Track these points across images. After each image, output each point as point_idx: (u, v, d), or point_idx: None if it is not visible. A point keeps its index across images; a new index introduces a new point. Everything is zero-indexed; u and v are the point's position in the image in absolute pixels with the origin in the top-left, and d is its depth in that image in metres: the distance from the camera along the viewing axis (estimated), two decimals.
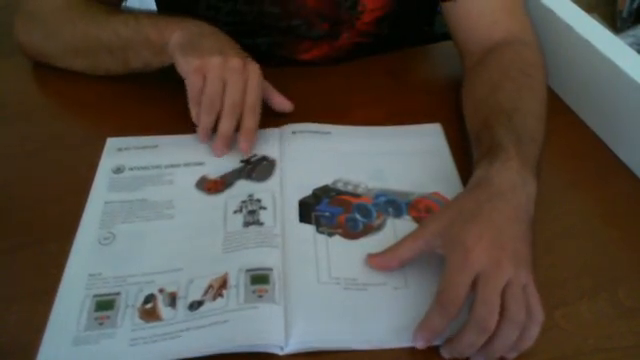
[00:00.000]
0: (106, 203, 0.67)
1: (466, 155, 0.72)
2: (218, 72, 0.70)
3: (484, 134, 0.66)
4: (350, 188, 0.69)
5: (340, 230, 0.65)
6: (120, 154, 0.73)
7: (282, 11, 0.85)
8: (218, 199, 0.68)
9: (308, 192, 0.68)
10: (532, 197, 0.59)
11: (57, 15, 0.82)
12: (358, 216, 0.66)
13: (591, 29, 0.78)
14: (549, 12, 0.82)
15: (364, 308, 0.58)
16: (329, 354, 0.55)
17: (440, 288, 0.54)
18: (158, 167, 0.71)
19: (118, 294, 0.58)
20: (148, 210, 0.67)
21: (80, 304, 0.57)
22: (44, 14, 0.83)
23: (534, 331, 0.53)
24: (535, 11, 0.83)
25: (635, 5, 1.05)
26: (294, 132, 0.76)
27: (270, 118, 0.77)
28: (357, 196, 0.69)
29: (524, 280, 0.53)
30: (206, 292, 0.58)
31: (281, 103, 0.77)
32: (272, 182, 0.70)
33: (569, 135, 0.78)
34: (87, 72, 0.83)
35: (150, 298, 0.58)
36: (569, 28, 0.79)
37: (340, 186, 0.70)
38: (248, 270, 0.59)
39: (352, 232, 0.65)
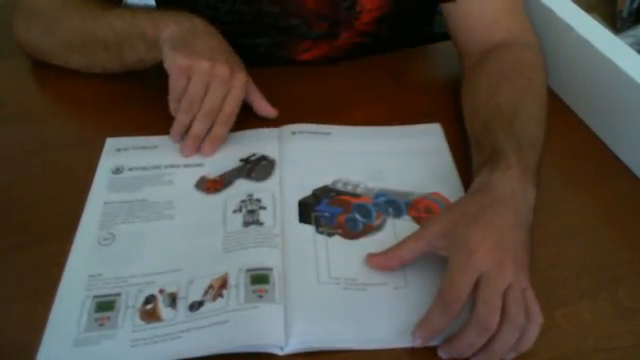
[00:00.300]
0: (106, 203, 0.67)
1: (466, 155, 0.72)
2: (204, 76, 0.70)
3: (484, 139, 0.67)
4: (350, 188, 0.69)
5: (340, 230, 0.65)
6: (119, 154, 0.73)
7: (281, 11, 0.84)
8: (217, 198, 0.68)
9: (308, 192, 0.68)
10: (531, 205, 0.59)
11: (54, 11, 0.82)
12: (358, 216, 0.66)
13: (591, 29, 0.78)
14: (549, 12, 0.82)
15: (364, 308, 0.58)
16: (329, 354, 0.55)
17: (442, 287, 0.54)
18: (158, 167, 0.71)
19: (118, 295, 0.58)
20: (148, 210, 0.66)
21: (80, 305, 0.57)
22: (41, 10, 0.83)
23: (533, 333, 0.53)
24: (535, 11, 0.83)
25: (635, 5, 1.05)
26: (293, 132, 0.76)
27: (269, 118, 0.77)
28: (357, 196, 0.68)
29: (523, 284, 0.54)
30: (206, 292, 0.58)
31: (265, 109, 0.77)
32: (272, 182, 0.69)
33: (569, 135, 0.78)
34: (83, 70, 0.83)
35: (150, 299, 0.58)
36: (569, 28, 0.79)
37: (340, 186, 0.70)
38: (248, 270, 0.59)
39: (352, 232, 0.65)
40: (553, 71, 0.78)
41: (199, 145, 0.72)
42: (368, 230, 0.65)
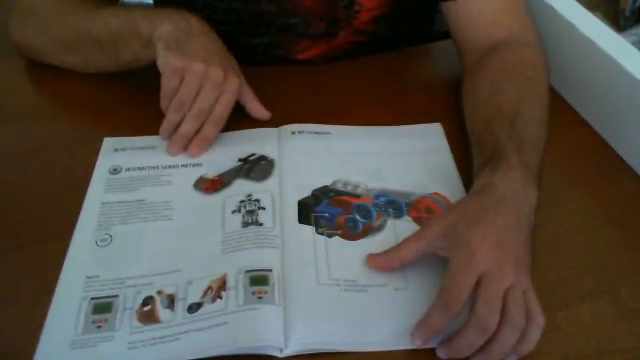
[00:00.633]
0: (103, 204, 0.67)
1: (467, 155, 0.71)
2: (197, 78, 0.70)
3: (485, 139, 0.66)
4: (350, 188, 0.69)
5: (340, 231, 0.64)
6: (117, 154, 0.73)
7: (279, 9, 0.84)
8: (216, 199, 0.67)
9: (307, 193, 0.68)
10: (533, 206, 0.59)
11: (49, 10, 0.82)
12: (358, 217, 0.66)
13: (594, 27, 0.77)
14: (551, 10, 0.82)
15: (364, 310, 0.58)
16: (329, 356, 0.55)
17: (443, 287, 0.54)
18: (155, 168, 0.71)
19: (116, 297, 0.58)
20: (146, 211, 0.66)
21: (78, 307, 0.57)
22: (36, 9, 0.82)
23: (534, 335, 0.53)
24: (537, 9, 0.83)
25: (638, 4, 1.05)
26: (293, 132, 0.76)
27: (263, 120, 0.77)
28: (357, 196, 0.68)
29: (525, 285, 0.54)
30: (205, 294, 0.58)
31: (259, 111, 0.77)
32: (271, 182, 0.69)
33: (571, 134, 0.78)
34: (78, 69, 0.83)
35: (148, 300, 0.58)
36: (571, 26, 0.78)
37: (340, 186, 0.69)
38: (247, 271, 0.59)
39: (352, 233, 0.64)
40: (555, 70, 0.78)
41: (186, 144, 0.72)
42: (368, 231, 0.65)
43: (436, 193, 0.69)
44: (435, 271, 0.58)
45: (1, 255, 0.63)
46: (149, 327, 0.55)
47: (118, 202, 0.67)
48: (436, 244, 0.58)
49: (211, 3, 0.83)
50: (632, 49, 0.74)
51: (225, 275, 0.59)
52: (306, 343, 0.55)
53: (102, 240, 0.63)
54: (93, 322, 0.56)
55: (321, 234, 0.64)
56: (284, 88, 0.82)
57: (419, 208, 0.67)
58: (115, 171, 0.70)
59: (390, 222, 0.66)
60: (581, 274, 0.62)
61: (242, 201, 0.67)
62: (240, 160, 0.72)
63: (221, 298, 0.57)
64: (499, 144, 0.63)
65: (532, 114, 0.67)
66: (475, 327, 0.52)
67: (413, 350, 0.55)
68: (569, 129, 0.79)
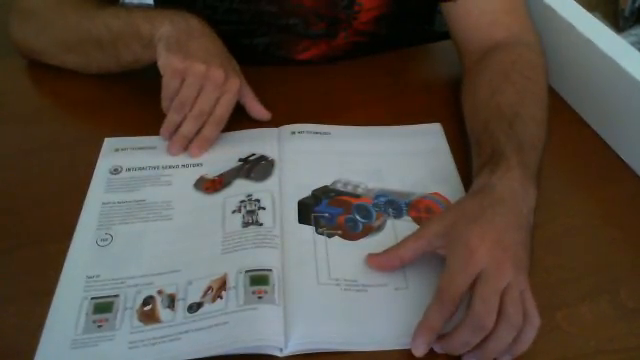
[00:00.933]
0: (103, 204, 0.67)
1: (466, 155, 0.71)
2: (198, 79, 0.70)
3: (485, 140, 0.66)
4: (350, 188, 0.69)
5: (340, 231, 0.65)
6: (117, 154, 0.73)
7: (279, 10, 0.84)
8: (216, 198, 0.67)
9: (307, 193, 0.68)
10: (532, 206, 0.60)
11: (49, 10, 0.82)
12: (358, 217, 0.66)
13: (593, 28, 0.77)
14: (551, 11, 0.82)
15: (364, 309, 0.58)
16: (328, 356, 0.55)
17: (441, 286, 0.54)
18: (156, 168, 0.71)
19: (117, 296, 0.58)
20: (146, 211, 0.66)
21: (78, 307, 0.57)
22: (36, 9, 0.82)
23: (530, 335, 0.53)
24: (537, 9, 0.83)
25: (637, 4, 1.05)
26: (293, 132, 0.76)
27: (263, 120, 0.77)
28: (357, 196, 0.68)
29: (522, 285, 0.54)
30: (205, 293, 0.58)
31: (259, 112, 0.77)
32: (271, 182, 0.69)
33: (570, 134, 0.78)
34: (79, 70, 0.83)
35: (149, 300, 0.58)
36: (571, 27, 0.78)
37: (339, 186, 0.69)
38: (247, 271, 0.59)
39: (352, 233, 0.65)
40: (555, 70, 0.78)
41: (186, 145, 0.72)
42: (368, 231, 0.65)
43: (436, 193, 0.69)
44: (435, 271, 0.58)
45: (1, 255, 0.63)
46: (149, 327, 0.55)
47: (119, 202, 0.67)
48: (435, 243, 0.58)
49: (212, 3, 0.83)
50: (631, 49, 0.74)
51: (225, 275, 0.59)
52: (306, 343, 0.55)
53: (103, 240, 0.63)
54: (94, 322, 0.56)
55: (321, 234, 0.64)
56: (284, 88, 0.82)
57: (419, 208, 0.67)
58: (116, 171, 0.71)
59: (390, 222, 0.66)
60: (581, 274, 0.62)
61: (242, 201, 0.67)
62: (240, 160, 0.72)
63: (221, 298, 0.57)
64: (498, 145, 0.63)
65: (531, 114, 0.67)
66: (472, 325, 0.52)
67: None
68: (569, 129, 0.79)
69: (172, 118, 0.72)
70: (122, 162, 0.71)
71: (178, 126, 0.72)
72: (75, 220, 0.65)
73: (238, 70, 0.75)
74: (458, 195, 0.67)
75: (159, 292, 0.58)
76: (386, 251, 0.60)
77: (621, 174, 0.73)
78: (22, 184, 0.71)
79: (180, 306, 0.57)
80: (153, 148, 0.73)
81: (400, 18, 0.90)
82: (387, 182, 0.70)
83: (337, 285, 0.59)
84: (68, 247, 0.62)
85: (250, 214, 0.65)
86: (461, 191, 0.69)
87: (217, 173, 0.70)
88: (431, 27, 1.01)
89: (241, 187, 0.69)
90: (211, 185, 0.69)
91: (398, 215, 0.67)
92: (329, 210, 0.66)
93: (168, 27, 0.73)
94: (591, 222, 0.68)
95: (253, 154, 0.73)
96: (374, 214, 0.67)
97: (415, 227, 0.62)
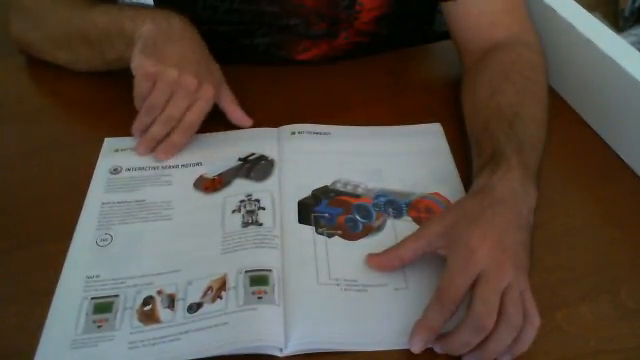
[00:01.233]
0: (103, 204, 0.67)
1: (466, 155, 0.71)
2: (168, 85, 0.69)
3: (485, 140, 0.66)
4: (350, 188, 0.69)
5: (340, 231, 0.64)
6: (117, 155, 0.73)
7: (280, 10, 0.84)
8: (216, 198, 0.67)
9: (307, 193, 0.68)
10: (532, 207, 0.60)
11: (42, 6, 0.82)
12: (358, 217, 0.66)
13: (593, 28, 0.77)
14: (551, 11, 0.82)
15: (364, 309, 0.58)
16: (328, 356, 0.55)
17: (441, 286, 0.54)
18: (156, 168, 0.71)
19: (116, 296, 0.58)
20: (146, 211, 0.66)
21: (78, 307, 0.57)
22: (32, 6, 0.83)
23: (530, 335, 0.53)
24: (537, 9, 0.83)
25: (637, 4, 1.05)
26: (293, 132, 0.76)
27: (268, 118, 0.76)
28: (357, 196, 0.68)
29: (522, 285, 0.54)
30: (205, 294, 0.58)
31: (239, 118, 0.76)
32: (271, 182, 0.69)
33: (570, 134, 0.78)
34: (70, 66, 0.82)
35: (149, 300, 0.58)
36: (571, 27, 0.78)
37: (339, 186, 0.69)
38: (247, 271, 0.59)
39: (352, 233, 0.64)
40: (554, 70, 0.78)
41: (154, 146, 0.72)
42: (368, 231, 0.65)
43: (436, 193, 0.69)
44: (435, 271, 0.58)
45: (1, 255, 0.63)
46: (149, 327, 0.55)
47: (118, 202, 0.67)
48: (435, 243, 0.58)
49: (212, 4, 0.83)
50: (631, 49, 0.74)
51: (225, 275, 0.59)
52: (306, 343, 0.55)
53: (102, 240, 0.63)
54: (94, 322, 0.56)
55: (321, 234, 0.64)
56: (284, 88, 0.82)
57: (419, 208, 0.67)
58: (115, 171, 0.71)
59: (390, 222, 0.66)
60: (581, 274, 0.62)
61: (242, 201, 0.67)
62: (240, 160, 0.72)
63: (221, 298, 0.57)
64: (498, 145, 0.63)
65: (531, 115, 0.67)
66: (472, 325, 0.52)
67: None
68: (568, 129, 0.79)
69: (142, 119, 0.71)
70: (122, 162, 0.71)
71: (148, 127, 0.72)
72: (75, 220, 0.65)
73: (217, 75, 0.74)
74: (458, 195, 0.67)
75: (159, 292, 0.58)
76: (386, 251, 0.60)
77: (621, 174, 0.73)
78: (22, 184, 0.71)
79: (180, 306, 0.57)
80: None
81: (401, 18, 0.89)
82: (387, 182, 0.70)
83: (337, 285, 0.59)
84: (68, 247, 0.62)
85: (250, 214, 0.65)
86: (461, 191, 0.68)
87: (217, 173, 0.70)
88: (431, 27, 1.01)
89: (241, 187, 0.69)
90: (210, 185, 0.69)
91: (398, 215, 0.67)
92: (329, 210, 0.66)
93: (149, 26, 0.72)
94: (591, 222, 0.68)
95: (253, 154, 0.72)
96: (374, 214, 0.66)
97: (415, 227, 0.62)
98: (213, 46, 0.76)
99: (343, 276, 0.60)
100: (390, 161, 0.73)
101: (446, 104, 0.81)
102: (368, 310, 0.58)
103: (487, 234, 0.55)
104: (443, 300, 0.53)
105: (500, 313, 0.52)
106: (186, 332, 0.55)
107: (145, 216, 0.66)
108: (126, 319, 0.56)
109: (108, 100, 0.82)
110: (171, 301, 0.57)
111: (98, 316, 0.56)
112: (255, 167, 0.71)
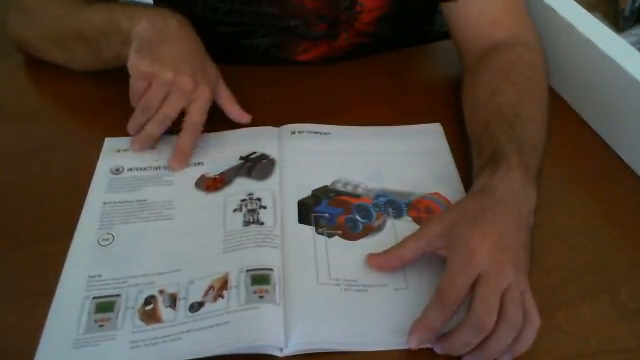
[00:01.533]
0: (105, 204, 0.67)
1: (466, 155, 0.71)
2: (164, 86, 0.69)
3: (485, 140, 0.66)
4: (350, 188, 0.69)
5: (340, 231, 0.65)
6: (119, 155, 0.73)
7: (280, 11, 0.84)
8: (217, 197, 0.67)
9: (307, 193, 0.68)
10: (532, 207, 0.60)
11: (39, 4, 0.82)
12: (358, 217, 0.66)
13: (593, 28, 0.77)
14: (551, 11, 0.82)
15: (364, 309, 0.58)
16: (328, 356, 0.55)
17: (441, 286, 0.54)
18: (157, 168, 0.71)
19: (118, 296, 0.58)
20: (147, 211, 0.66)
21: (80, 306, 0.57)
22: (30, 5, 0.83)
23: (530, 335, 0.53)
24: (537, 9, 0.83)
25: (637, 4, 1.05)
26: (293, 132, 0.76)
27: (269, 118, 0.76)
28: (357, 196, 0.68)
29: (523, 286, 0.54)
30: (206, 293, 0.58)
31: (238, 114, 0.75)
32: (272, 181, 0.69)
33: (570, 134, 0.78)
34: (67, 65, 0.82)
35: (150, 299, 0.58)
36: (571, 27, 0.79)
37: (339, 186, 0.69)
38: (249, 270, 0.59)
39: (352, 233, 0.65)
40: (554, 70, 0.78)
41: (149, 144, 0.72)
42: (368, 231, 0.65)
43: (436, 193, 0.69)
44: (435, 271, 0.58)
45: (1, 255, 0.63)
46: (151, 326, 0.55)
47: (120, 202, 0.67)
48: (435, 244, 0.58)
49: (212, 4, 0.83)
50: (631, 49, 0.74)
51: (227, 274, 0.59)
52: (306, 343, 0.55)
53: (104, 240, 0.63)
54: (95, 321, 0.56)
55: (321, 234, 0.64)
56: (284, 88, 0.82)
57: (419, 208, 0.67)
58: (117, 171, 0.71)
59: (390, 222, 0.66)
60: (581, 274, 0.62)
61: (243, 200, 0.67)
62: (241, 158, 0.72)
63: (222, 297, 0.57)
64: (499, 145, 0.64)
65: (531, 115, 0.67)
66: (472, 326, 0.52)
67: (413, 350, 0.55)
68: (568, 129, 0.79)
69: (137, 118, 0.71)
70: (124, 162, 0.71)
71: (143, 125, 0.71)
72: (75, 220, 0.65)
73: (214, 73, 0.74)
74: (458, 195, 0.67)
75: (160, 292, 0.58)
76: (386, 251, 0.61)
77: (621, 174, 0.73)
78: (22, 184, 0.71)
79: (181, 305, 0.57)
80: (154, 148, 0.73)
81: (401, 18, 0.89)
82: (387, 182, 0.70)
83: (337, 285, 0.59)
84: (68, 247, 0.62)
85: (251, 213, 0.65)
86: (461, 191, 0.69)
87: (218, 172, 0.70)
88: (431, 27, 1.01)
89: (242, 186, 0.69)
90: (212, 184, 0.69)
91: (398, 215, 0.67)
92: (329, 210, 0.66)
93: (145, 25, 0.72)
94: (591, 222, 0.68)
95: (254, 152, 0.73)
96: (374, 214, 0.67)
97: (415, 227, 0.62)
98: (213, 46, 0.76)
99: (343, 276, 0.60)
100: (390, 161, 0.73)
101: (446, 104, 0.81)
102: (368, 310, 0.58)
103: (487, 235, 0.55)
104: (443, 300, 0.53)
105: (500, 313, 0.52)
106: (188, 331, 0.55)
107: (147, 216, 0.66)
108: (128, 318, 0.56)
109: (108, 100, 0.81)
110: (173, 300, 0.57)
111: (100, 315, 0.56)
112: (256, 166, 0.71)
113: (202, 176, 0.70)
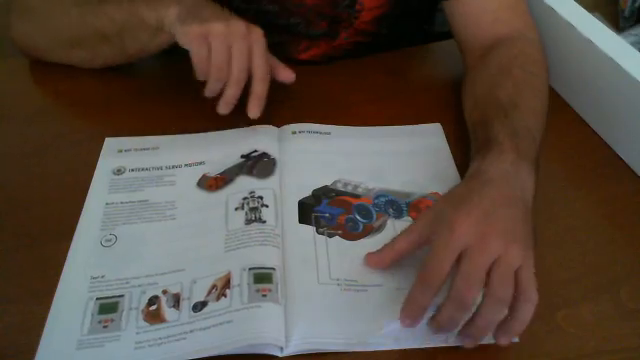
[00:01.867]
0: (107, 204, 0.67)
1: (466, 155, 0.71)
2: (222, 39, 0.68)
3: (480, 129, 0.66)
4: (350, 188, 0.69)
5: (340, 231, 0.65)
6: (121, 155, 0.73)
7: (280, 9, 0.84)
8: (219, 196, 0.68)
9: (307, 193, 0.68)
10: (527, 187, 0.58)
11: (48, 4, 0.80)
12: (358, 217, 0.66)
13: (593, 28, 0.78)
14: (551, 11, 0.82)
15: (364, 309, 0.58)
16: (328, 356, 0.55)
17: (424, 264, 0.53)
18: (159, 168, 0.71)
19: (122, 296, 0.58)
20: (150, 211, 0.66)
21: (83, 307, 0.57)
22: (36, 5, 0.81)
23: (526, 312, 0.51)
24: (537, 9, 0.83)
25: (637, 4, 1.05)
26: (293, 132, 0.76)
27: (269, 118, 0.76)
28: (357, 196, 0.68)
29: (518, 260, 0.52)
30: (209, 292, 0.58)
31: (285, 73, 0.74)
32: (273, 180, 0.69)
33: (569, 134, 0.78)
34: (84, 64, 0.82)
35: (154, 300, 0.58)
36: (571, 27, 0.79)
37: (340, 186, 0.69)
38: (251, 269, 0.59)
39: (352, 233, 0.65)
40: (554, 70, 0.78)
41: (232, 108, 0.71)
42: (368, 231, 0.65)
43: (436, 193, 0.69)
44: None
45: (2, 255, 0.63)
46: (155, 327, 0.56)
47: (122, 202, 0.67)
48: (425, 232, 0.57)
49: None
50: (631, 50, 0.74)
51: (229, 273, 0.59)
52: (306, 342, 0.55)
53: (107, 240, 0.63)
54: (99, 322, 0.56)
55: (321, 234, 0.64)
56: (284, 88, 0.82)
57: (419, 208, 0.67)
58: (119, 172, 0.71)
59: (390, 222, 0.66)
60: (581, 274, 0.62)
61: (245, 198, 0.67)
62: (243, 156, 0.72)
63: (226, 296, 0.57)
64: (492, 131, 0.63)
65: (529, 105, 0.67)
66: (453, 301, 0.51)
67: (413, 350, 0.55)
68: (568, 129, 0.79)
69: (213, 87, 0.70)
70: (126, 163, 0.71)
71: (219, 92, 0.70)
72: (75, 220, 0.65)
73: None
74: None
75: (164, 292, 0.58)
76: (380, 249, 0.60)
77: (621, 173, 0.73)
78: (24, 184, 0.71)
79: (185, 305, 0.57)
80: (156, 148, 0.73)
81: (401, 17, 0.89)
82: (387, 182, 0.70)
83: (337, 285, 0.60)
84: (69, 247, 0.62)
85: (253, 211, 0.65)
86: None
87: (220, 171, 0.70)
88: (431, 27, 1.01)
89: (244, 184, 0.69)
90: (214, 183, 0.69)
91: (398, 215, 0.67)
92: (329, 210, 0.67)
93: (175, 8, 0.71)
94: (590, 221, 0.68)
95: (255, 150, 0.73)
96: (374, 214, 0.67)
97: None
98: None
99: (343, 276, 0.60)
100: (390, 161, 0.73)
101: (446, 104, 0.81)
102: (368, 310, 0.58)
103: (472, 211, 0.53)
104: (426, 277, 0.53)
105: (486, 288, 0.51)
106: (191, 331, 0.55)
107: (149, 216, 0.66)
108: (132, 319, 0.56)
109: (109, 100, 0.82)
110: (176, 300, 0.58)
111: (103, 316, 0.56)
112: (258, 164, 0.71)
113: (204, 176, 0.70)
